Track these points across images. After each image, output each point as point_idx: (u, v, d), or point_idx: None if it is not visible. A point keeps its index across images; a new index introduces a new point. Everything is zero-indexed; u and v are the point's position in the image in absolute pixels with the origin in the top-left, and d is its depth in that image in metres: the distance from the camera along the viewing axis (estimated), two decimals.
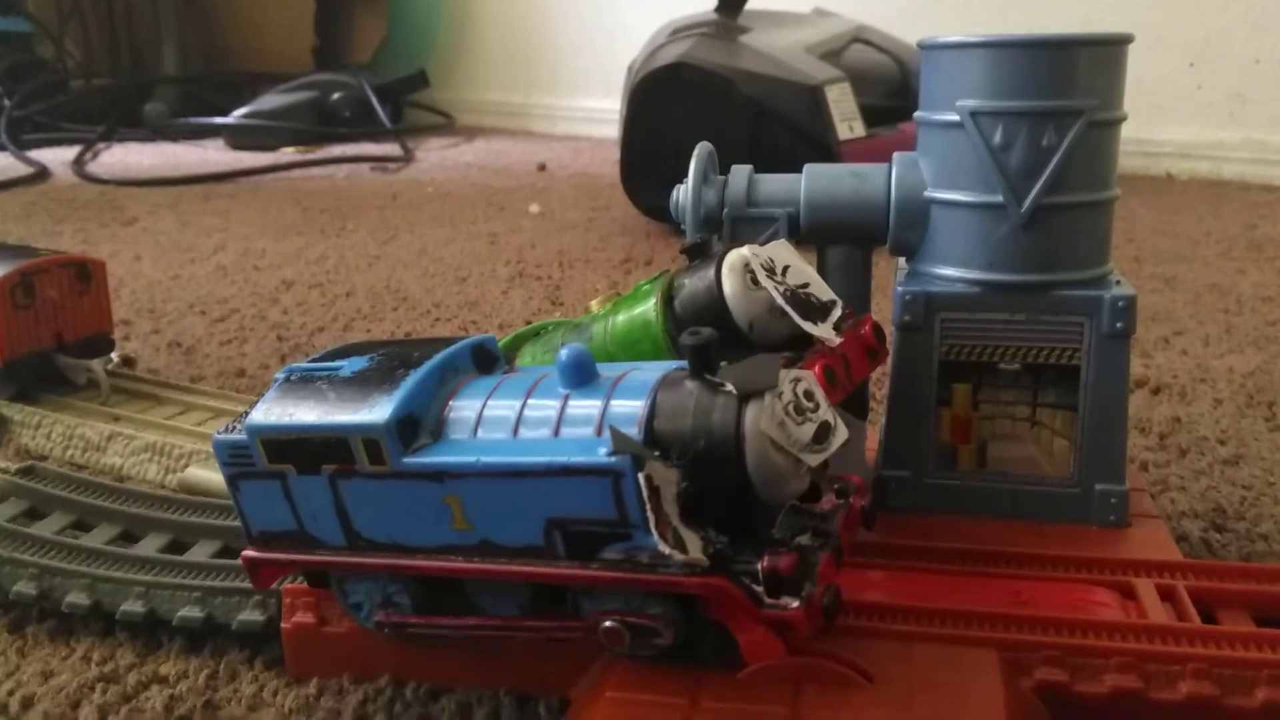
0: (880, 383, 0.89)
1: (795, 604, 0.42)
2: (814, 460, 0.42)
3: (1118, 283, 0.58)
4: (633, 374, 0.46)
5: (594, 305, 0.58)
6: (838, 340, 0.51)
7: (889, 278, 0.66)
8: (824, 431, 0.43)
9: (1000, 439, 0.60)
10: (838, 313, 0.52)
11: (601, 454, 0.42)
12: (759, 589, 0.42)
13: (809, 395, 0.43)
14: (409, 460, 0.45)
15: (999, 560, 0.55)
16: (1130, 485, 0.59)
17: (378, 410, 0.45)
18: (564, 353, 0.45)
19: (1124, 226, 1.62)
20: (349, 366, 0.49)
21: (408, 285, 1.38)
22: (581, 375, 0.45)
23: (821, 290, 0.53)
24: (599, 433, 0.43)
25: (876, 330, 0.54)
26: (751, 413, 0.42)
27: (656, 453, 0.42)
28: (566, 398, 0.45)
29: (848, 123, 1.55)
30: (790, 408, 0.42)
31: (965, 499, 0.60)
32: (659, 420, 0.43)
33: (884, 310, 0.61)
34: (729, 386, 0.42)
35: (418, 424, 0.46)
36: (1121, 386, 0.58)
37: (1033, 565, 0.55)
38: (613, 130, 2.42)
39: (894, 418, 0.61)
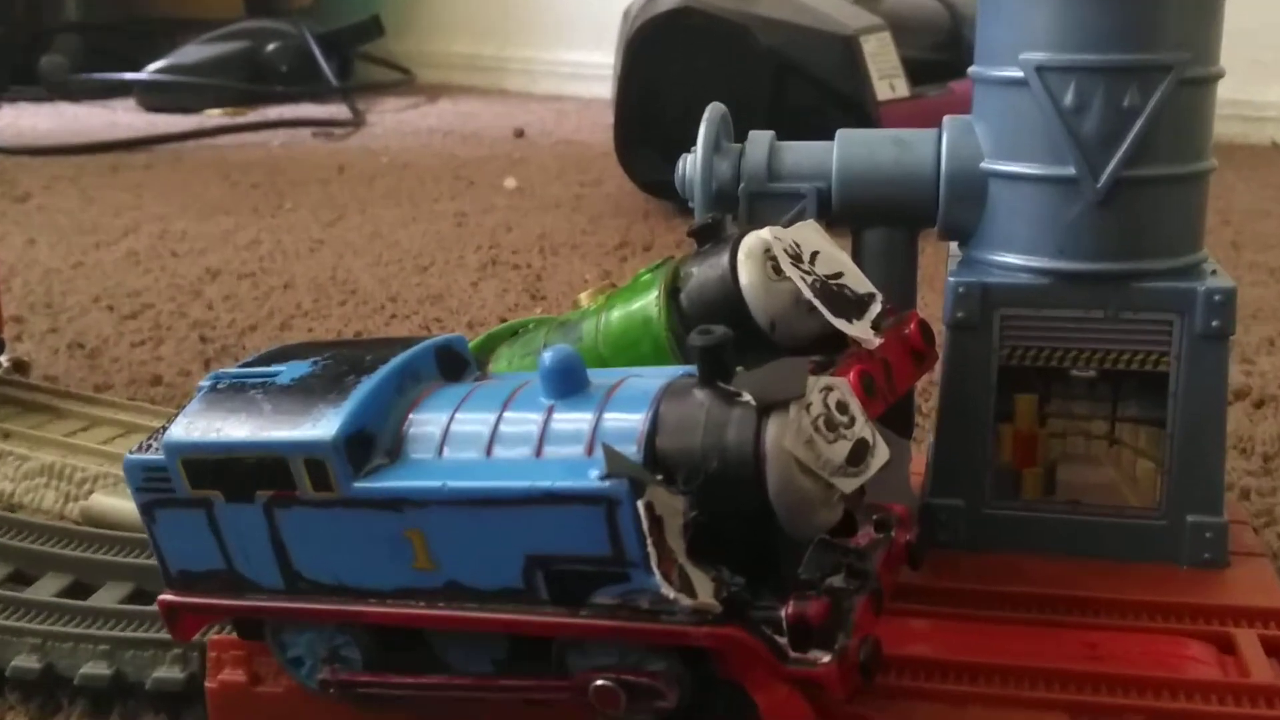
0: (928, 393, 0.89)
1: (826, 659, 0.42)
2: (849, 485, 0.43)
3: (1214, 272, 0.58)
4: (631, 381, 0.46)
5: (583, 299, 0.58)
6: (877, 341, 0.51)
7: (938, 267, 0.66)
8: (860, 451, 0.43)
9: (1072, 461, 0.60)
10: (877, 308, 0.52)
11: (593, 477, 0.42)
12: (782, 641, 0.42)
13: (843, 407, 0.43)
14: (361, 485, 0.45)
15: (1071, 606, 0.55)
16: (1229, 517, 0.59)
17: (323, 425, 0.45)
18: (548, 356, 0.46)
19: (1219, 205, 1.63)
20: (288, 373, 0.49)
21: (358, 275, 1.38)
22: (569, 383, 0.45)
23: (857, 281, 0.53)
24: (590, 452, 0.43)
25: (924, 329, 0.54)
26: (774, 428, 0.42)
27: (659, 476, 0.42)
28: (551, 410, 0.45)
29: (888, 80, 1.56)
30: (820, 422, 0.42)
31: (1030, 533, 0.60)
32: (662, 437, 0.43)
33: (932, 306, 0.61)
34: (746, 396, 0.42)
35: (371, 442, 0.46)
36: (1218, 397, 0.58)
37: (1111, 612, 0.55)
38: (605, 89, 2.41)
39: (944, 435, 0.61)
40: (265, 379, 0.49)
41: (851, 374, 0.48)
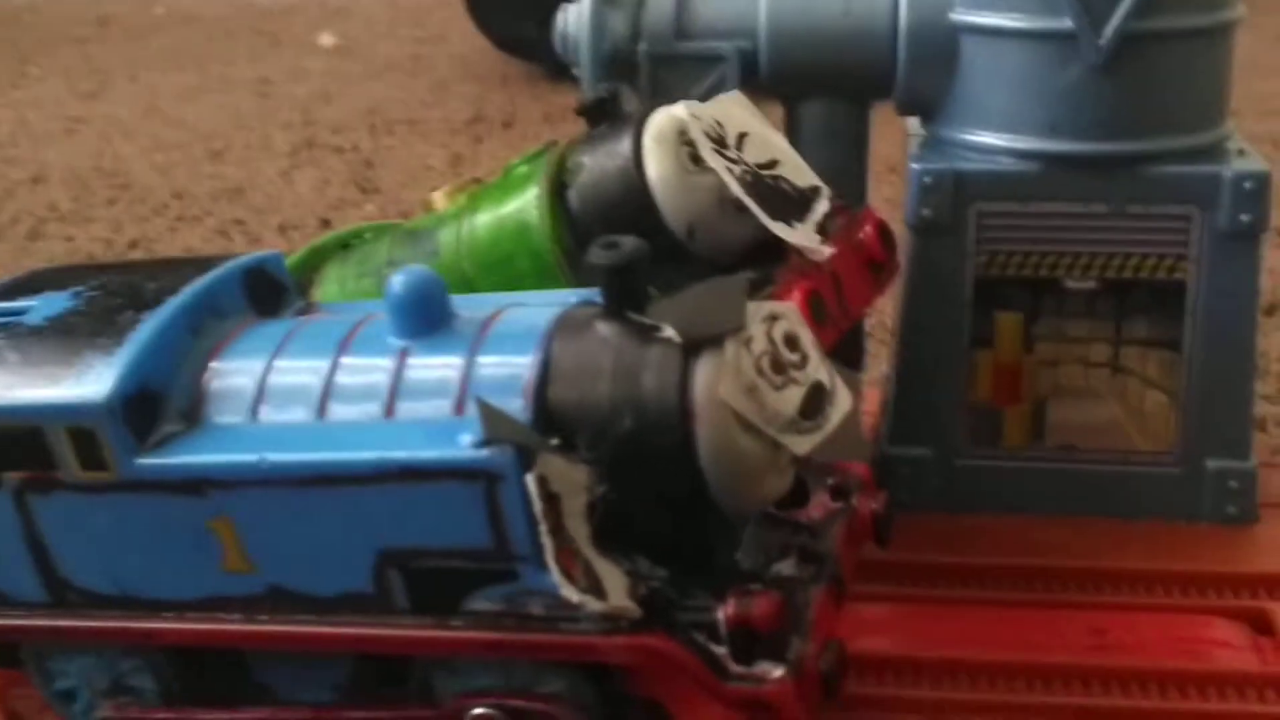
0: (881, 310, 0.89)
1: (779, 673, 0.41)
2: (802, 445, 0.42)
3: (1241, 153, 0.58)
4: (511, 313, 0.45)
5: (439, 199, 0.57)
6: (826, 250, 0.50)
7: (897, 150, 0.65)
8: (816, 399, 0.42)
9: (1067, 396, 0.60)
10: (824, 206, 0.52)
11: (465, 444, 0.40)
12: (721, 651, 0.41)
13: (792, 342, 0.42)
14: (147, 462, 0.44)
15: (1068, 581, 0.56)
16: (1259, 460, 0.60)
17: (91, 380, 0.44)
18: (399, 280, 0.44)
19: None
20: (42, 309, 0.47)
21: (130, 164, 1.35)
22: (428, 315, 0.44)
23: (797, 172, 0.53)
24: (460, 410, 0.42)
25: (883, 233, 0.54)
26: (705, 372, 0.40)
27: (554, 440, 0.41)
28: (405, 353, 0.44)
29: None
30: (765, 363, 0.41)
31: (1014, 488, 0.61)
32: (557, 387, 0.42)
33: (891, 199, 0.60)
34: (667, 331, 0.41)
35: (159, 402, 0.45)
36: (1247, 311, 0.58)
37: (1119, 587, 0.56)
38: None
39: (906, 366, 0.61)
40: (9, 318, 0.47)
41: (797, 294, 0.47)
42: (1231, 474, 0.59)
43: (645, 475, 0.41)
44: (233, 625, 0.45)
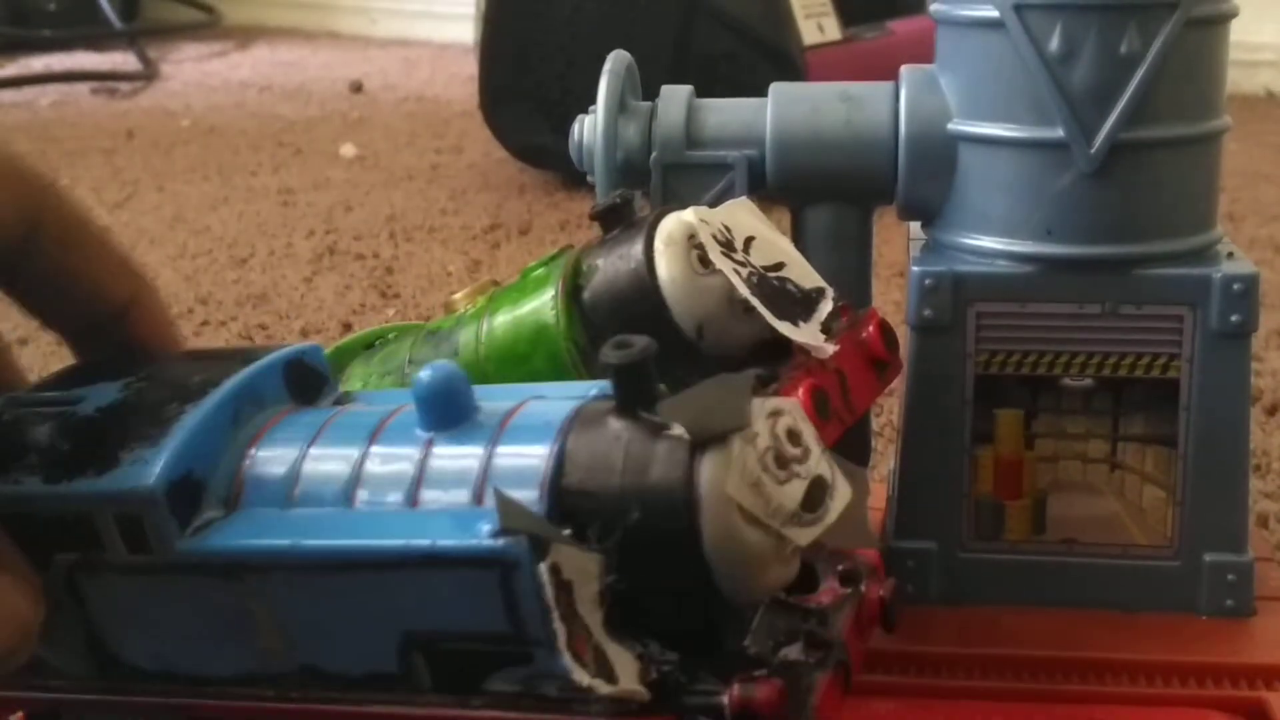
0: (886, 408, 0.90)
1: None
2: (804, 536, 0.42)
3: (1230, 255, 0.59)
4: (532, 406, 0.45)
5: (460, 301, 0.58)
6: (830, 348, 0.51)
7: (899, 253, 0.66)
8: (818, 492, 0.43)
9: (1066, 490, 0.60)
10: (828, 307, 0.53)
11: (484, 534, 0.41)
12: None
13: (794, 437, 0.43)
14: (189, 546, 0.44)
15: (1069, 671, 0.56)
16: (1255, 554, 0.60)
17: (139, 468, 0.44)
18: (426, 375, 0.45)
19: None
20: (92, 399, 0.47)
21: (157, 270, 1.36)
22: (453, 408, 0.45)
23: (803, 273, 0.53)
24: (480, 500, 0.43)
25: (885, 332, 0.54)
26: (710, 468, 0.41)
27: (568, 530, 0.41)
28: (430, 444, 0.44)
29: (815, 19, 1.57)
30: (769, 458, 0.42)
31: (1016, 581, 0.61)
32: (570, 477, 0.42)
33: (900, 301, 0.61)
34: (675, 427, 0.42)
35: (201, 489, 0.45)
36: (1239, 408, 0.59)
37: (1118, 677, 0.56)
38: (464, 31, 2.41)
39: (910, 462, 0.61)
40: (62, 409, 0.47)
41: (801, 391, 0.48)
42: (1228, 567, 0.59)
43: (653, 564, 0.41)
44: (267, 703, 0.45)
